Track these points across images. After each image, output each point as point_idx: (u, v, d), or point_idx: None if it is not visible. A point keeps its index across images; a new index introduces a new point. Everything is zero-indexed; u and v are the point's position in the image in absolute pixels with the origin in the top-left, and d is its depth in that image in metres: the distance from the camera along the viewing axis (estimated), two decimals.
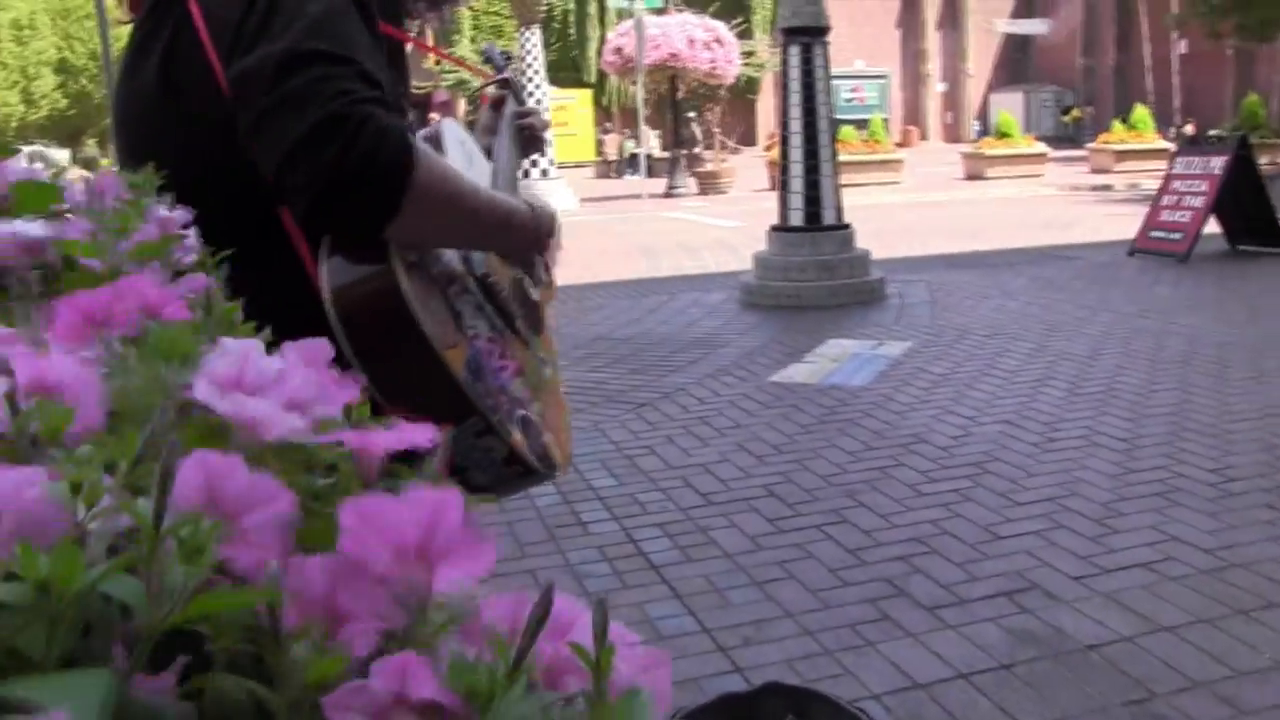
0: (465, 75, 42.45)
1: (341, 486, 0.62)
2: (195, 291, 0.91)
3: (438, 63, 43.21)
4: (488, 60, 2.62)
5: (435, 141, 1.93)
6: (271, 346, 0.87)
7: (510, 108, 2.36)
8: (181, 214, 1.10)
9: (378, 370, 1.43)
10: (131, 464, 0.53)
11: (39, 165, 1.18)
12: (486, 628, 0.49)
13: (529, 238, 1.76)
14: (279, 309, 1.31)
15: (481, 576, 0.51)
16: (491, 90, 2.47)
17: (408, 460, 0.67)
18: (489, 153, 2.24)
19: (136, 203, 1.03)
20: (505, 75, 2.48)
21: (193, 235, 1.11)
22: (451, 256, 1.71)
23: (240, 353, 0.66)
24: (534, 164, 24.05)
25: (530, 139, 2.40)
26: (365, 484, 0.62)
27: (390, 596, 0.49)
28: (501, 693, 0.45)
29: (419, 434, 0.65)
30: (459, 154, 1.97)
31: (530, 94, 25.17)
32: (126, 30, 1.77)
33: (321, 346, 0.73)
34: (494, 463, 1.54)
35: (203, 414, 0.62)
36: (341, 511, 0.50)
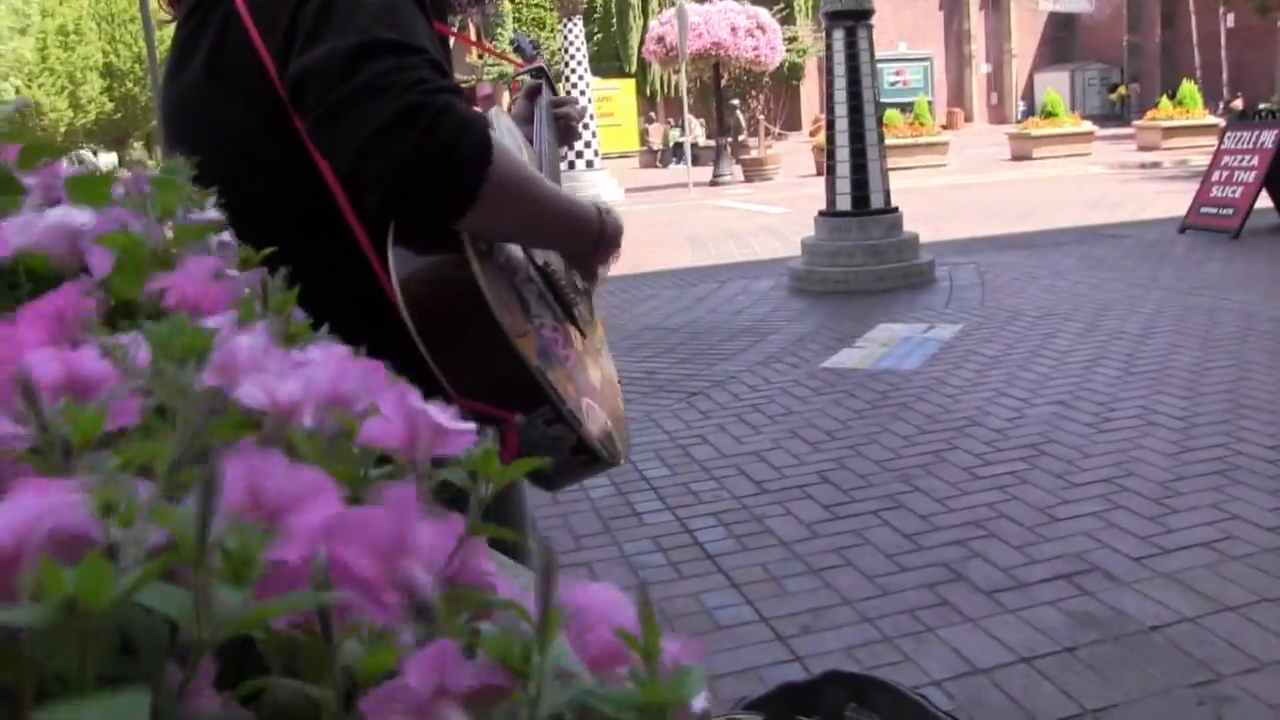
0: (508, 69, 42.50)
1: (396, 476, 0.61)
2: (250, 285, 0.90)
3: (480, 56, 43.29)
4: (518, 50, 2.63)
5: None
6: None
7: (545, 97, 2.36)
8: (213, 215, 1.10)
9: (449, 359, 1.44)
10: (169, 470, 0.52)
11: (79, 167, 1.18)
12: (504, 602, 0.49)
13: (592, 240, 1.74)
14: (334, 301, 1.31)
15: (446, 552, 0.51)
16: (524, 79, 2.47)
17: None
18: (529, 141, 2.24)
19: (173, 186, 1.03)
20: (538, 64, 2.49)
21: (229, 234, 1.11)
22: (515, 246, 1.71)
23: (256, 340, 0.65)
24: (579, 155, 24.07)
25: (565, 129, 2.40)
26: (417, 476, 0.61)
27: (386, 588, 0.48)
28: (537, 650, 0.44)
29: (461, 437, 0.64)
30: (509, 143, 1.97)
31: (574, 85, 25.25)
32: (169, 31, 1.78)
33: (340, 346, 0.72)
34: (562, 450, 1.53)
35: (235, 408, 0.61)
36: (319, 534, 0.49)
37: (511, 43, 2.69)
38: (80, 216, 0.87)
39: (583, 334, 1.84)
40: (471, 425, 0.62)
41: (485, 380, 1.45)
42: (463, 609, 0.50)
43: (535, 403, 1.47)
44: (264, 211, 1.51)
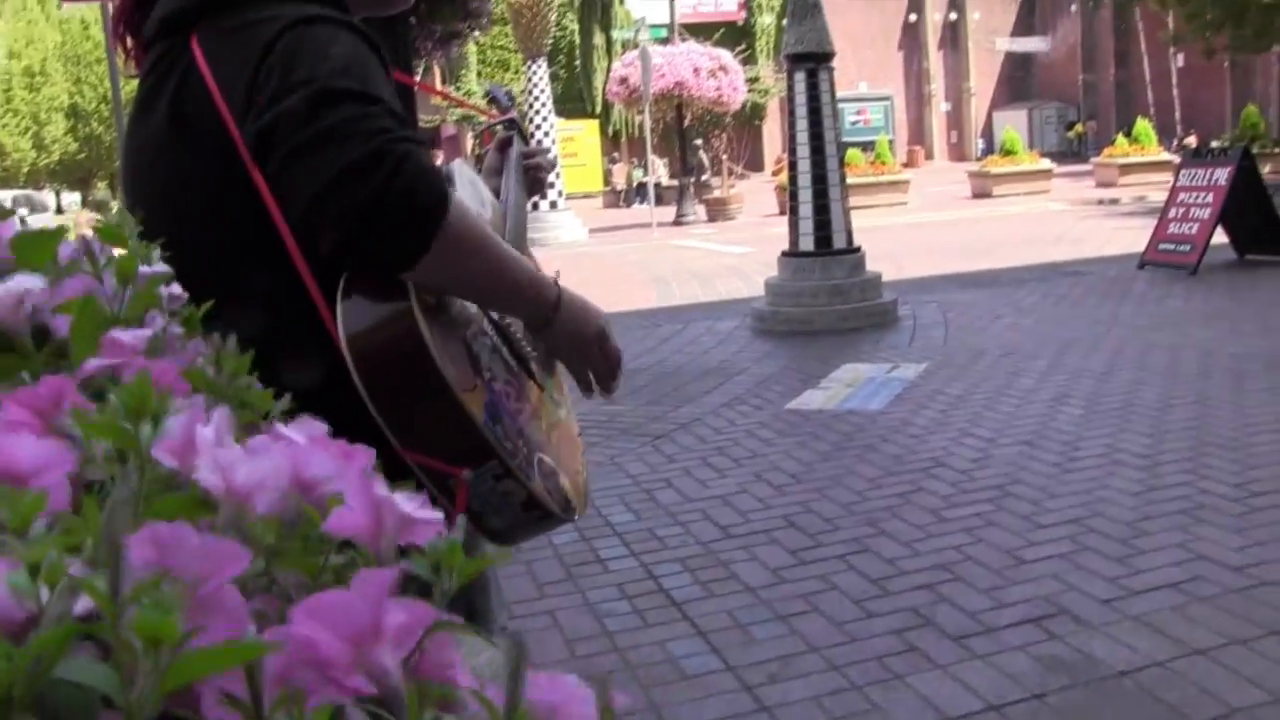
0: (472, 110, 42.64)
1: (359, 564, 0.60)
2: (201, 354, 0.89)
3: (445, 98, 43.42)
4: (493, 101, 2.60)
5: (447, 182, 1.92)
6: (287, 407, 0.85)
7: (516, 148, 2.35)
8: (162, 268, 1.07)
9: (394, 413, 1.43)
10: (98, 540, 0.49)
11: (25, 211, 1.16)
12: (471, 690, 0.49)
13: (548, 308, 1.70)
14: (284, 354, 1.33)
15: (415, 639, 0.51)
16: (497, 131, 2.46)
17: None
18: (496, 194, 2.23)
19: (136, 250, 1.01)
20: (511, 115, 2.47)
21: (176, 286, 1.10)
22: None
23: (203, 417, 0.64)
24: (543, 195, 24.18)
25: (534, 180, 2.39)
26: (380, 563, 0.60)
27: (351, 673, 0.48)
28: None
29: (425, 518, 0.62)
30: (471, 195, 1.95)
31: (538, 126, 25.39)
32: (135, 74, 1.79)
33: (316, 424, 0.71)
34: (512, 507, 1.51)
35: (191, 486, 0.60)
36: (293, 615, 0.48)
37: (486, 94, 2.68)
38: (30, 282, 0.86)
39: (540, 387, 1.82)
40: (439, 515, 0.61)
41: (432, 435, 1.44)
42: (431, 702, 0.50)
43: (483, 458, 1.46)
44: (218, 262, 1.54)
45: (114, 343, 0.80)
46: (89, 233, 1.06)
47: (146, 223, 1.61)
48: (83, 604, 0.43)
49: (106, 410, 0.62)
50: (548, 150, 2.57)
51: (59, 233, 1.03)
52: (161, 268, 1.07)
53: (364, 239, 1.42)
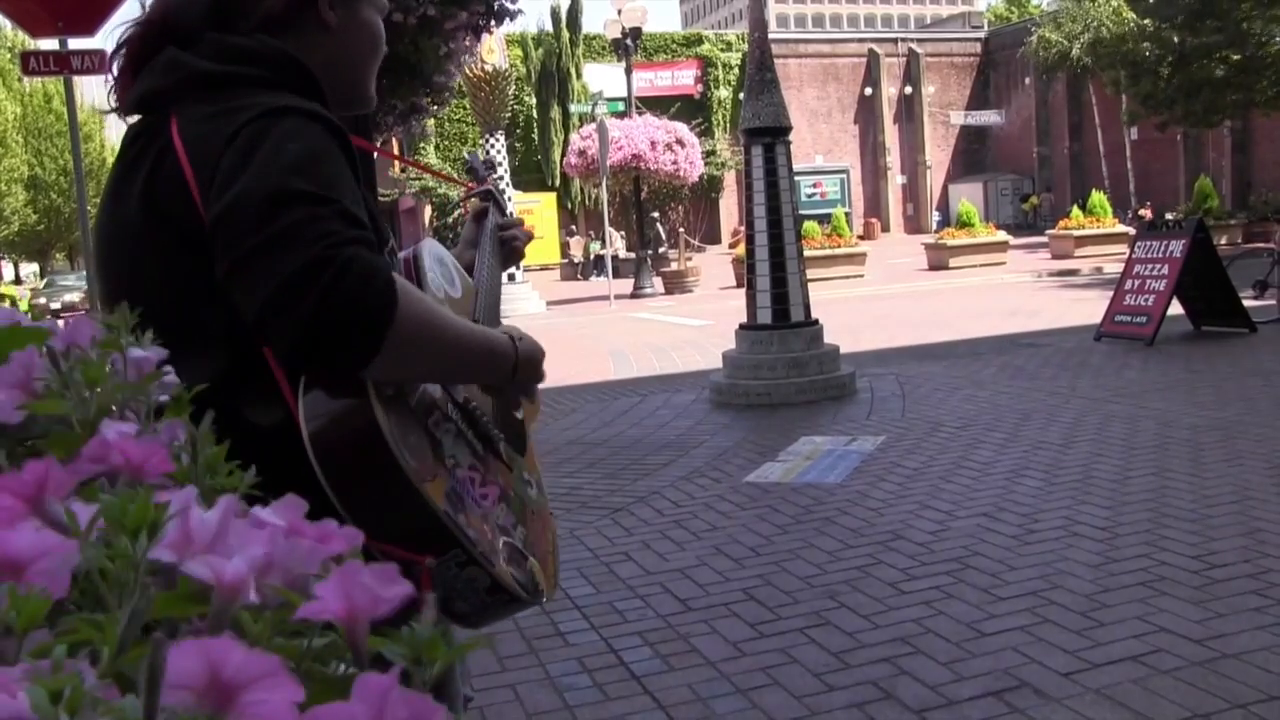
0: (430, 182, 42.80)
1: (340, 644, 0.60)
2: (177, 439, 0.87)
3: (403, 170, 43.51)
4: (470, 170, 2.60)
5: (415, 262, 1.91)
6: (258, 493, 0.83)
7: (492, 220, 2.35)
8: (156, 352, 1.04)
9: (357, 504, 1.42)
10: (115, 652, 0.49)
11: None
12: None
13: (508, 373, 1.74)
14: (250, 394, 1.42)
15: None
16: (474, 202, 2.46)
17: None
18: (470, 269, 2.22)
19: (105, 352, 0.98)
20: (487, 186, 2.47)
21: (171, 373, 1.07)
22: (431, 385, 1.69)
23: (201, 512, 0.63)
24: (517, 266, 24.30)
25: (510, 251, 2.40)
26: (355, 649, 0.59)
27: None
28: None
29: (392, 590, 0.61)
30: (439, 273, 1.94)
31: None
32: (96, 146, 1.80)
33: (298, 504, 0.70)
34: (477, 592, 1.52)
35: (183, 582, 0.60)
36: None
37: (464, 162, 2.67)
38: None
39: (509, 467, 1.81)
40: (408, 585, 0.61)
41: (395, 525, 1.44)
42: None
43: (445, 546, 1.47)
44: (190, 342, 1.52)
45: (104, 439, 0.79)
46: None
47: (116, 278, 1.67)
48: None
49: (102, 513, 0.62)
50: (522, 220, 2.57)
51: (43, 333, 1.00)
52: (152, 353, 1.04)
53: (313, 346, 1.42)
